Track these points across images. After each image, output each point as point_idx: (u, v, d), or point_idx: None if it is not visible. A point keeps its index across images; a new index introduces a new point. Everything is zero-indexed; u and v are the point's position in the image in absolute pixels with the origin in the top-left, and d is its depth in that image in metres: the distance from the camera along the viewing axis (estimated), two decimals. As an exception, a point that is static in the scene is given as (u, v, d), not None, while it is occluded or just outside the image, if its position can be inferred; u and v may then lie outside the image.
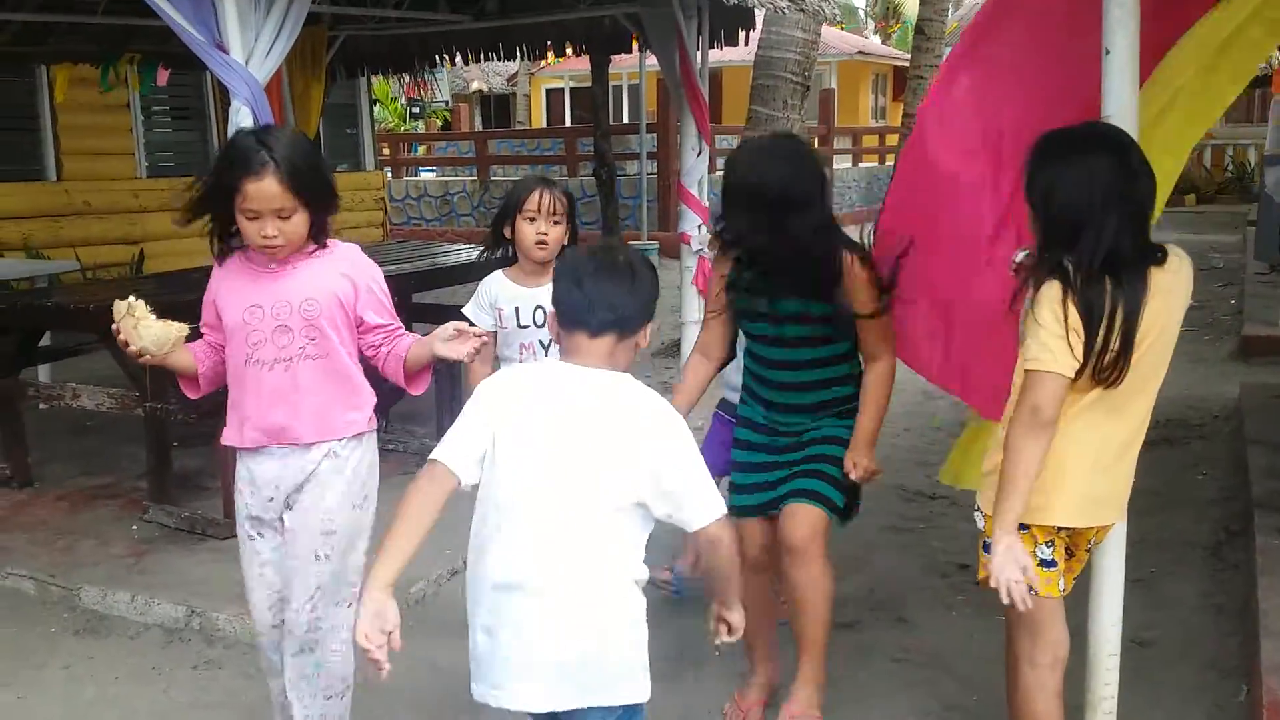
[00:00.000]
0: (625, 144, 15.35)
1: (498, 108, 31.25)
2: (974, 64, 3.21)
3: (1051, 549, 2.46)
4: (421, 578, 4.07)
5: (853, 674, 3.37)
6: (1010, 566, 2.31)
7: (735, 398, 3.41)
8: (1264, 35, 2.65)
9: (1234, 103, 2.98)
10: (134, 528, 4.56)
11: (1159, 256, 2.36)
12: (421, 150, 20.40)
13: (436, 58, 8.17)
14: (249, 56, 3.54)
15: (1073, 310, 2.28)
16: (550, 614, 2.05)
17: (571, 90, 29.43)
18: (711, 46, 6.49)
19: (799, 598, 2.96)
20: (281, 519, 2.67)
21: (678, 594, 3.83)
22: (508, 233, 3.38)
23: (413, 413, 6.00)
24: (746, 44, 6.81)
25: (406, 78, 12.02)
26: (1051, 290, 2.32)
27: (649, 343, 2.20)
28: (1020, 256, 2.51)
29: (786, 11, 6.09)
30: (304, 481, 2.62)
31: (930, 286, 3.01)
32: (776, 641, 3.20)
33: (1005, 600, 2.34)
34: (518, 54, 8.04)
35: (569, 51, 8.17)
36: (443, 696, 3.36)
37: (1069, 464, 2.40)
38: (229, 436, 2.69)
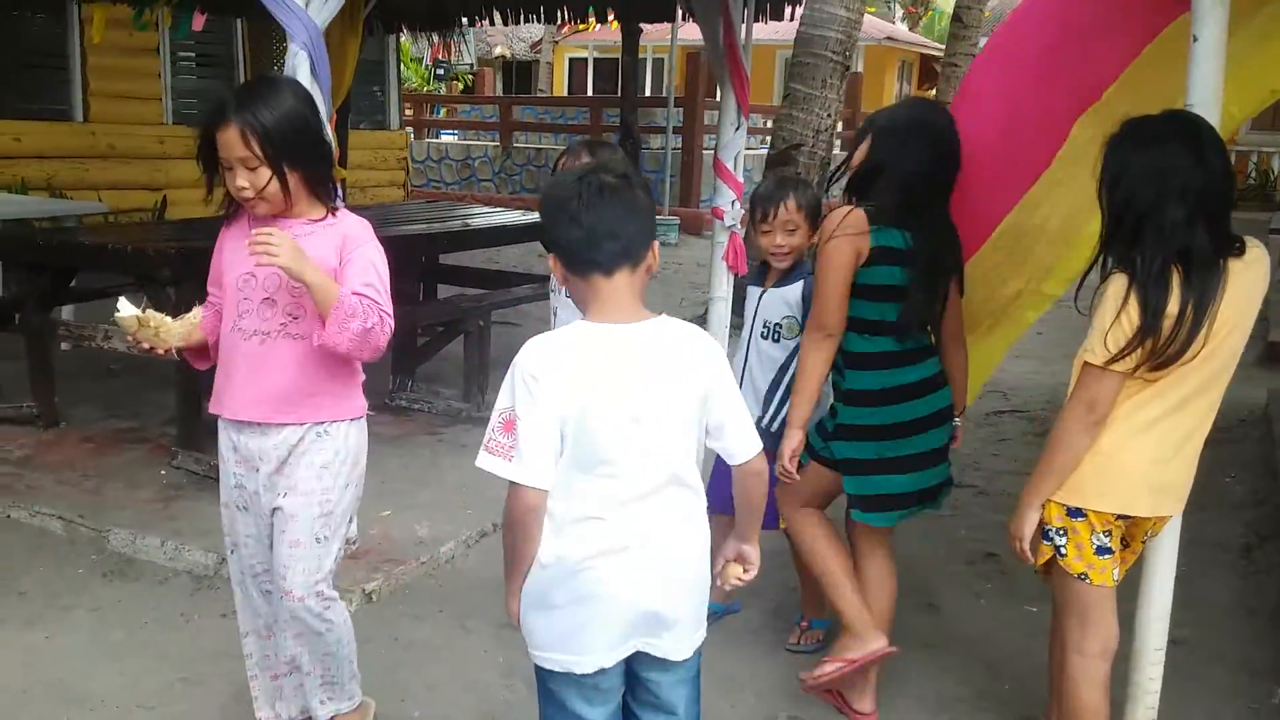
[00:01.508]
0: (649, 117, 15.24)
1: (519, 74, 31.11)
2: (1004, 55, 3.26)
3: (1109, 537, 2.44)
4: (450, 538, 4.05)
5: (885, 660, 3.35)
6: (1027, 532, 2.47)
7: None
8: None
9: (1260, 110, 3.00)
10: (162, 473, 4.55)
11: (1237, 248, 2.33)
12: (444, 113, 20.29)
13: (475, 17, 8.07)
14: (309, 0, 3.48)
15: (1134, 306, 2.26)
16: (671, 563, 2.02)
17: (595, 60, 29.28)
18: (756, 20, 6.39)
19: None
20: (264, 496, 2.57)
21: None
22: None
23: (438, 373, 6.00)
24: (792, 19, 6.73)
25: (435, 38, 11.86)
26: (1117, 284, 2.30)
27: (658, 263, 2.05)
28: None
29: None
30: (289, 460, 2.52)
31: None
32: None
33: (1020, 554, 2.51)
34: (558, 16, 7.94)
35: (609, 17, 8.07)
36: (476, 658, 3.36)
37: (1131, 453, 2.38)
38: (212, 404, 2.59)
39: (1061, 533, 2.47)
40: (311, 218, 2.50)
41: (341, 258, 2.46)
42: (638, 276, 2.00)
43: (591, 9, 7.66)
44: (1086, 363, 2.34)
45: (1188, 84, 2.52)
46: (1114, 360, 2.29)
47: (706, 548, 2.09)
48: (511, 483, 1.93)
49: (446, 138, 18.24)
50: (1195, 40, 2.49)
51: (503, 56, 29.97)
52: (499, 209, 7.93)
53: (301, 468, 2.52)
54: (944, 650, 3.48)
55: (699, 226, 13.15)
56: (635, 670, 2.09)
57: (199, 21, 8.24)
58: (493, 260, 9.08)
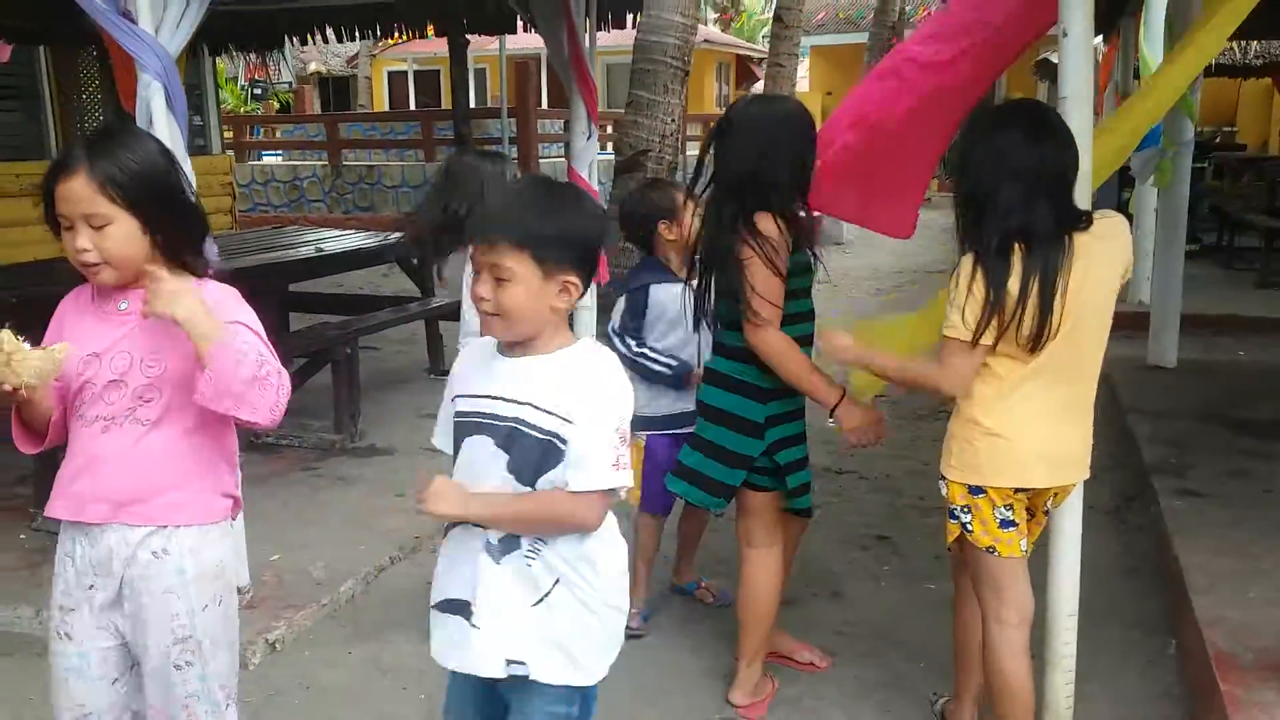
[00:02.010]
0: (482, 128, 15.11)
1: (337, 90, 30.34)
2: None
3: (1011, 510, 2.55)
4: (348, 576, 3.91)
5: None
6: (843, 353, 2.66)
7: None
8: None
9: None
10: (21, 537, 4.23)
11: (1083, 223, 2.45)
12: (263, 133, 19.62)
13: (306, 35, 7.84)
14: (158, 26, 3.30)
15: (980, 282, 2.39)
16: None
17: (416, 73, 28.83)
18: (599, 29, 6.43)
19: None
20: (106, 620, 2.17)
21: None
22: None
23: (304, 406, 5.78)
24: (634, 26, 6.79)
25: (253, 57, 11.47)
26: (965, 264, 2.45)
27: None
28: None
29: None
30: (127, 580, 2.13)
31: (846, 128, 3.30)
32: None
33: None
34: (394, 31, 7.79)
35: (431, 30, 7.96)
36: (396, 696, 3.25)
37: (1018, 429, 2.49)
38: (48, 505, 2.17)
39: (966, 510, 2.57)
40: None
41: None
42: None
43: (432, 22, 7.55)
44: (947, 336, 2.46)
45: (1059, 77, 2.66)
46: (961, 331, 2.43)
47: None
48: (615, 490, 1.96)
49: (270, 159, 17.66)
50: (1065, 35, 2.63)
51: (318, 73, 29.17)
52: (348, 232, 7.71)
53: (142, 593, 2.13)
54: (856, 637, 3.56)
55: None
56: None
57: (4, 52, 7.76)
58: (338, 285, 8.85)
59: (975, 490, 2.55)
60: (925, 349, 3.03)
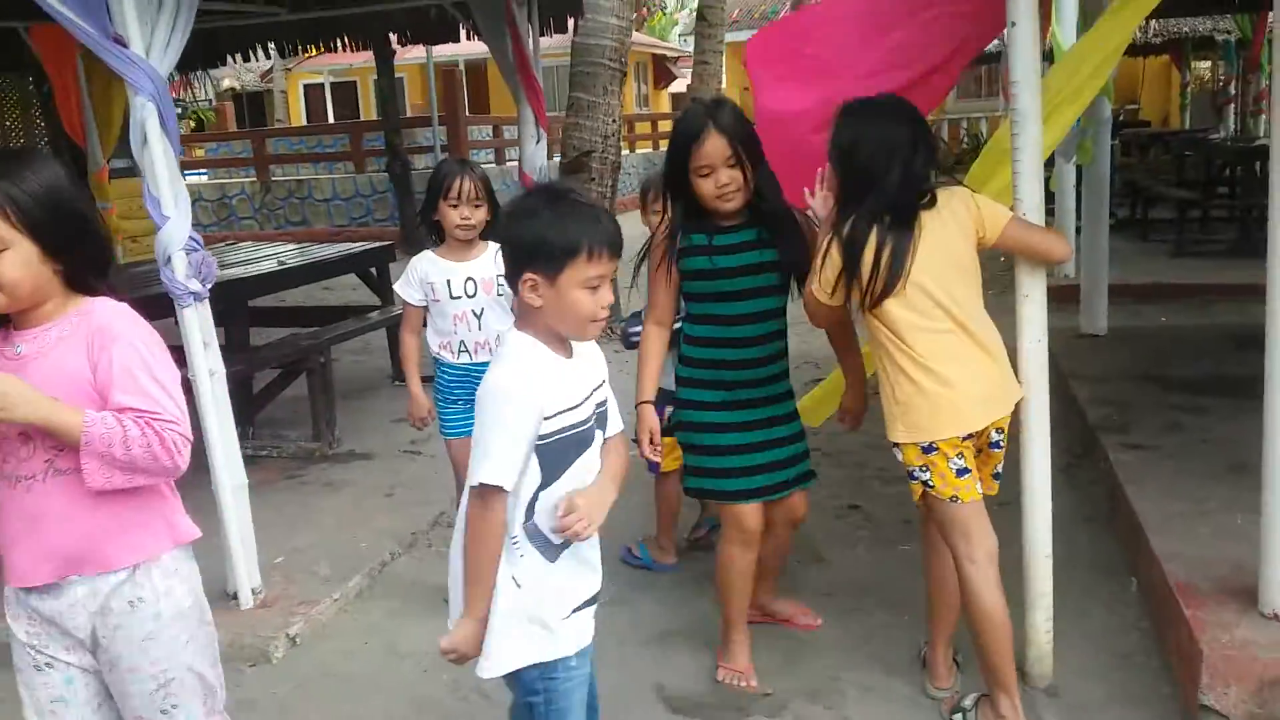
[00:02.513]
0: (410, 137, 15.17)
1: (251, 105, 29.98)
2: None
3: (962, 459, 2.81)
4: (354, 572, 4.07)
5: (796, 611, 3.64)
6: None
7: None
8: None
9: (965, 80, 3.65)
10: None
11: (929, 201, 2.81)
12: (198, 152, 19.38)
13: (249, 51, 7.90)
14: (149, 49, 3.41)
15: (835, 252, 2.80)
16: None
17: (332, 85, 28.61)
18: (543, 34, 6.60)
19: (783, 553, 3.50)
20: (83, 654, 2.10)
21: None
22: (435, 216, 3.62)
23: (277, 418, 5.88)
24: (576, 31, 6.97)
25: (175, 75, 11.41)
26: (831, 245, 2.82)
27: (550, 299, 2.08)
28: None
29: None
30: (105, 626, 2.05)
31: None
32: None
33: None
34: (338, 46, 7.88)
35: (395, 41, 8.06)
36: (418, 678, 3.42)
37: (944, 382, 2.77)
38: (9, 574, 2.06)
39: (924, 469, 2.84)
40: (62, 324, 2.00)
41: (91, 363, 1.97)
42: (521, 303, 2.18)
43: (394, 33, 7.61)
44: (813, 295, 2.92)
45: (1009, 64, 2.93)
46: (828, 294, 2.86)
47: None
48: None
49: (194, 178, 17.48)
50: (1013, 25, 2.89)
51: (232, 89, 28.80)
52: (296, 245, 7.78)
53: (119, 642, 2.06)
54: (842, 597, 3.80)
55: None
56: None
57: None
58: (280, 299, 8.89)
59: (928, 449, 2.81)
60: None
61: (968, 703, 3.00)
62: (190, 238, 3.52)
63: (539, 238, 2.05)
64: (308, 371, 5.46)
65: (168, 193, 3.46)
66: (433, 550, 4.37)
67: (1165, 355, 6.13)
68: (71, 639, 2.07)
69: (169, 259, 3.50)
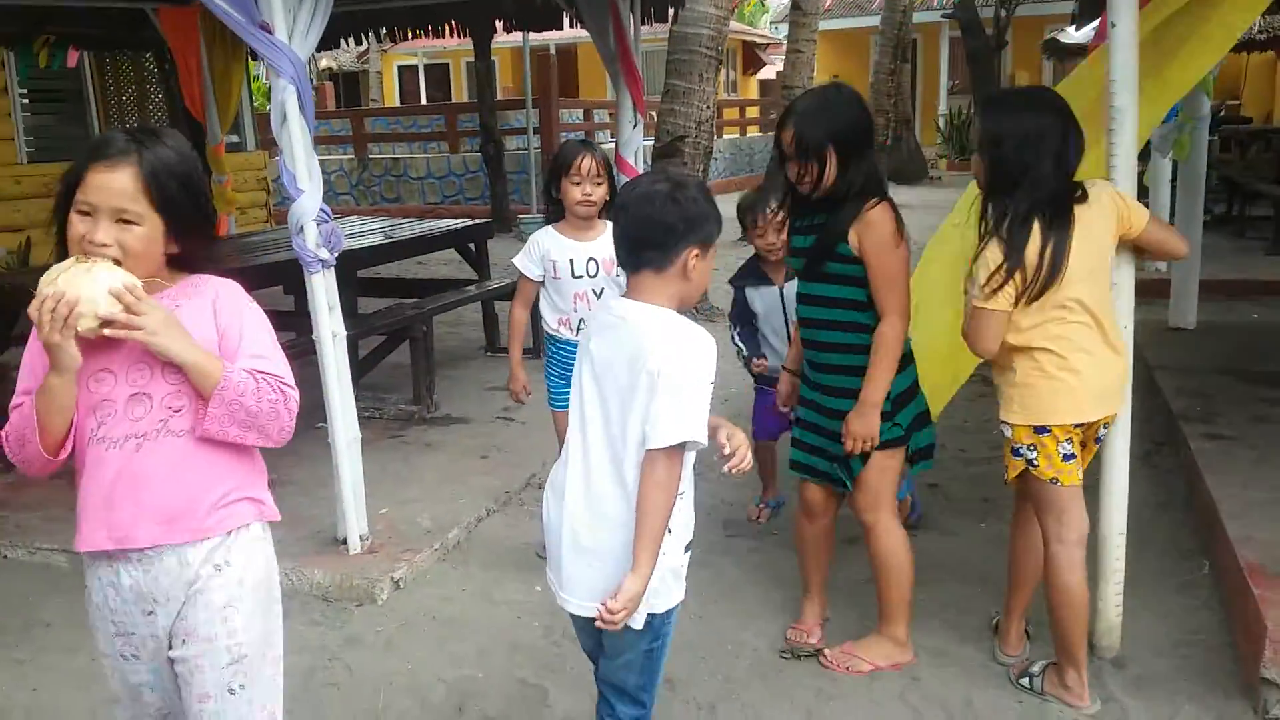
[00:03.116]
0: (504, 119, 15.49)
1: (347, 85, 30.69)
2: None
3: (1070, 444, 2.93)
4: (454, 525, 4.33)
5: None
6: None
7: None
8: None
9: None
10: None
11: (1080, 195, 2.86)
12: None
13: (361, 35, 8.22)
14: (290, 35, 3.67)
15: (995, 250, 2.79)
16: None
17: (426, 67, 29.20)
18: (643, 23, 6.79)
19: (873, 566, 3.29)
20: (164, 641, 2.08)
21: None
22: (557, 194, 3.76)
23: (377, 383, 6.18)
24: (675, 20, 7.15)
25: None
26: (989, 244, 2.83)
27: (699, 271, 2.25)
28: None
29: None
30: (187, 598, 2.04)
31: None
32: (827, 579, 3.53)
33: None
34: (446, 31, 8.17)
35: (499, 26, 8.34)
36: (513, 624, 3.67)
37: (1071, 370, 2.87)
38: (79, 540, 2.04)
39: (1031, 448, 2.95)
40: (173, 293, 2.05)
41: (219, 328, 2.05)
42: (663, 280, 2.25)
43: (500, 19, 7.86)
44: (976, 307, 2.86)
45: (1109, 66, 3.03)
46: (989, 296, 2.82)
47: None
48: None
49: (294, 155, 18.00)
50: (1113, 26, 3.00)
51: (329, 69, 29.52)
52: (400, 220, 8.11)
53: (199, 608, 2.05)
54: (922, 568, 3.86)
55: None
56: None
57: (73, 58, 8.16)
58: (375, 272, 9.25)
59: (1040, 430, 2.92)
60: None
61: (1035, 669, 3.14)
62: (321, 209, 3.78)
63: (705, 213, 2.24)
64: (411, 339, 5.75)
65: (303, 168, 3.73)
66: (525, 510, 4.61)
67: (1253, 350, 6.14)
68: (154, 623, 2.06)
69: (301, 228, 3.76)
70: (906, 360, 3.14)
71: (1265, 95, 22.93)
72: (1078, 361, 2.87)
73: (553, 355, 3.94)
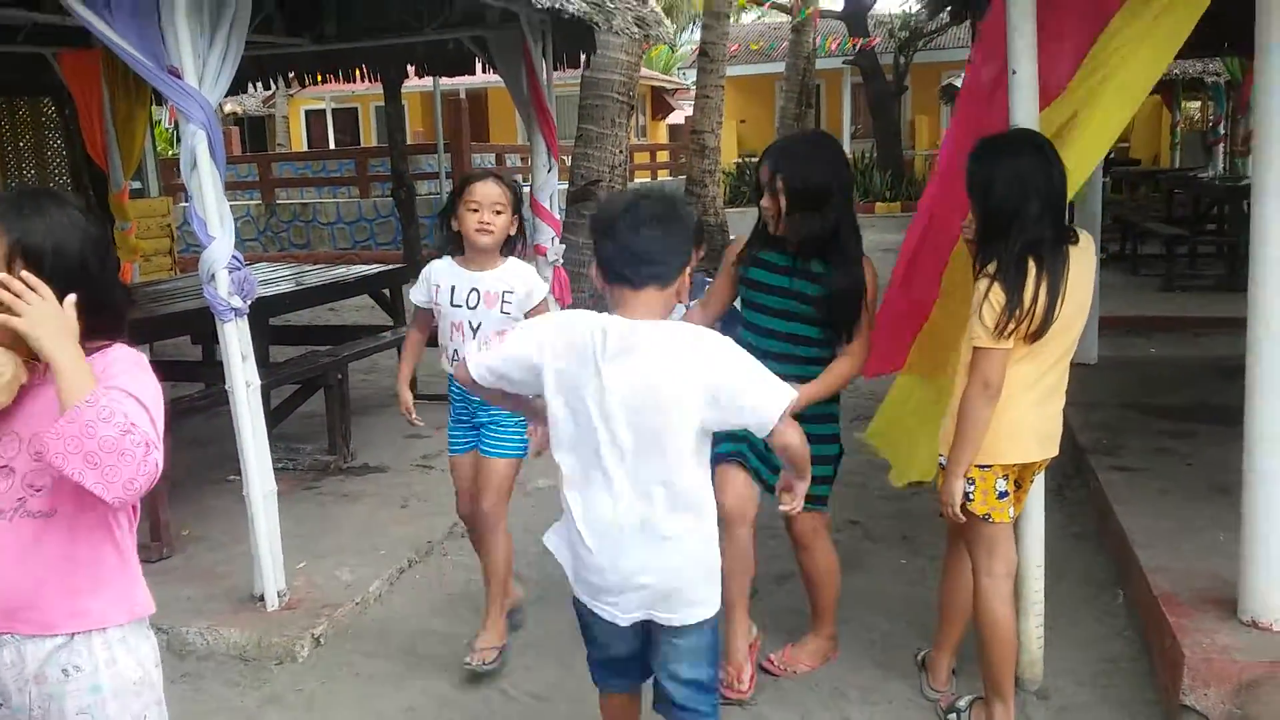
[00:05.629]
0: (415, 164, 15.40)
1: (253, 130, 30.30)
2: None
3: (1007, 482, 2.98)
4: (374, 577, 4.24)
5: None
6: (957, 498, 2.94)
7: None
8: (1157, 51, 3.21)
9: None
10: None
11: (1073, 237, 2.93)
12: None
13: (272, 80, 8.13)
14: (200, 80, 3.61)
15: (998, 291, 2.80)
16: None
17: (333, 111, 28.95)
18: (555, 68, 6.83)
19: (811, 579, 3.51)
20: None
21: None
22: (455, 224, 3.51)
23: (290, 433, 6.05)
24: (587, 66, 7.20)
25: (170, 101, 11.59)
26: (982, 281, 2.84)
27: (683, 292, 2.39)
28: (967, 226, 3.02)
29: (629, 32, 6.51)
30: (41, 695, 1.88)
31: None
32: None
33: (951, 516, 2.98)
34: (357, 76, 8.11)
35: (410, 71, 8.31)
36: (443, 676, 3.59)
37: (1021, 412, 2.91)
38: None
39: (970, 482, 2.98)
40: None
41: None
42: (664, 297, 2.33)
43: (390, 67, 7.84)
44: (976, 346, 2.86)
45: (1009, 110, 3.13)
46: (996, 337, 2.82)
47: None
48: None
49: (198, 201, 17.65)
50: (1014, 73, 3.10)
51: (234, 113, 29.11)
52: (324, 266, 7.99)
53: (52, 715, 1.88)
54: (845, 605, 3.93)
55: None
56: None
57: (-34, 101, 7.89)
58: (287, 321, 9.10)
59: (982, 466, 2.95)
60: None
61: (962, 704, 3.18)
62: (233, 256, 3.71)
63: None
64: (325, 387, 5.64)
65: (214, 214, 3.65)
66: (448, 559, 4.54)
67: (1153, 384, 6.36)
68: (13, 715, 1.89)
69: (213, 276, 3.69)
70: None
71: (1152, 139, 23.97)
72: (1028, 402, 2.91)
73: (450, 392, 3.68)
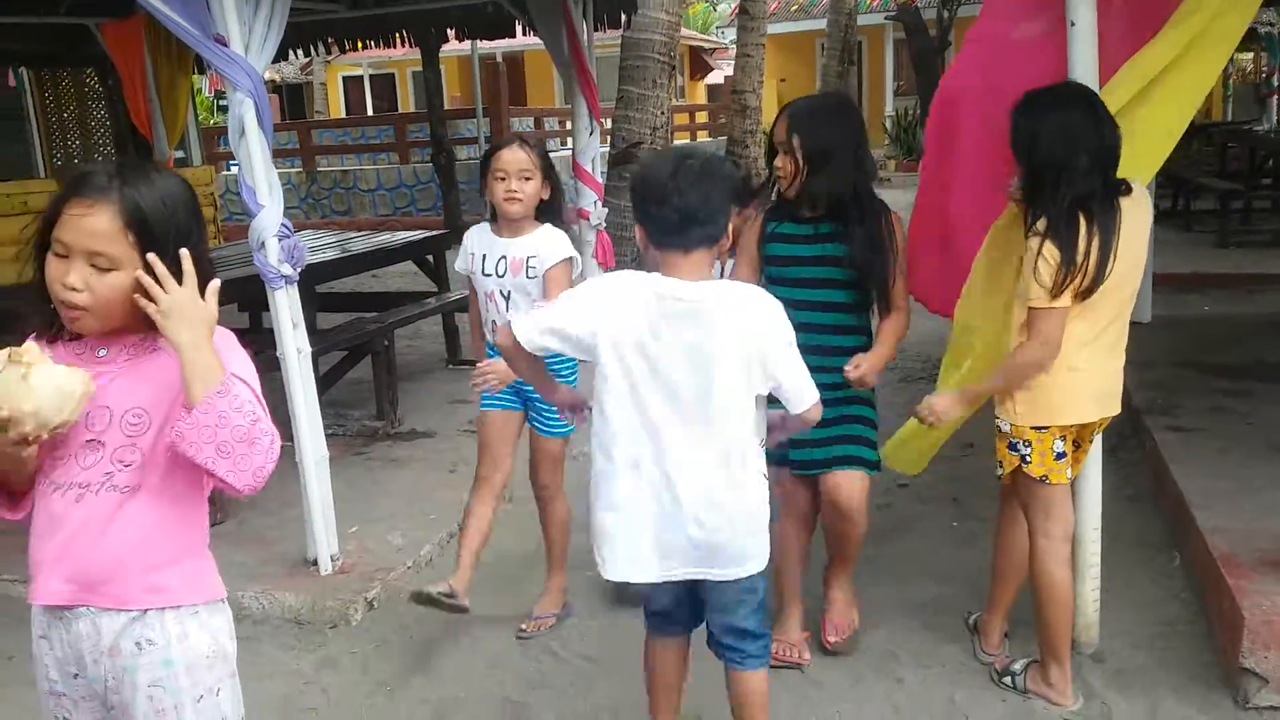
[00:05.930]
0: (454, 129, 15.40)
1: (291, 98, 30.41)
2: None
3: (1063, 443, 2.94)
4: (425, 541, 4.28)
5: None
6: (948, 416, 3.04)
7: None
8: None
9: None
10: None
11: (1125, 189, 2.86)
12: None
13: (311, 47, 8.13)
14: (247, 48, 3.61)
15: (1051, 248, 2.74)
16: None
17: (371, 77, 28.98)
18: (596, 29, 6.77)
19: (844, 543, 3.41)
20: (100, 710, 1.92)
21: None
22: (486, 193, 3.48)
23: (338, 399, 6.10)
24: (628, 27, 7.13)
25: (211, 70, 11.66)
26: (1033, 239, 2.78)
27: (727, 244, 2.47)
28: (1013, 187, 2.96)
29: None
30: (115, 667, 1.87)
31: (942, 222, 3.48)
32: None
33: (924, 417, 3.03)
34: (396, 41, 8.09)
35: (451, 35, 8.29)
36: (491, 638, 3.63)
37: (1079, 372, 2.87)
38: (35, 590, 1.89)
39: (1027, 444, 2.95)
40: (150, 341, 1.85)
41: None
42: (711, 254, 2.36)
43: (433, 30, 7.82)
44: (1032, 306, 2.81)
45: (1069, 64, 3.04)
46: (1054, 295, 2.77)
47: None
48: None
49: (236, 169, 17.78)
50: (1073, 25, 3.02)
51: (272, 81, 29.22)
52: (357, 233, 8.02)
53: (125, 688, 1.88)
54: (898, 568, 3.96)
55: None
56: None
57: (10, 76, 7.98)
58: (328, 287, 9.15)
59: (1039, 427, 2.92)
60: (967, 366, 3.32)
61: (1017, 667, 3.16)
62: (282, 224, 3.72)
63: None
64: (372, 354, 5.68)
65: (263, 182, 3.67)
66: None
67: (1208, 342, 6.24)
68: (82, 688, 1.91)
69: (263, 244, 3.70)
70: None
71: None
72: (1083, 362, 2.86)
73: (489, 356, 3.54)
